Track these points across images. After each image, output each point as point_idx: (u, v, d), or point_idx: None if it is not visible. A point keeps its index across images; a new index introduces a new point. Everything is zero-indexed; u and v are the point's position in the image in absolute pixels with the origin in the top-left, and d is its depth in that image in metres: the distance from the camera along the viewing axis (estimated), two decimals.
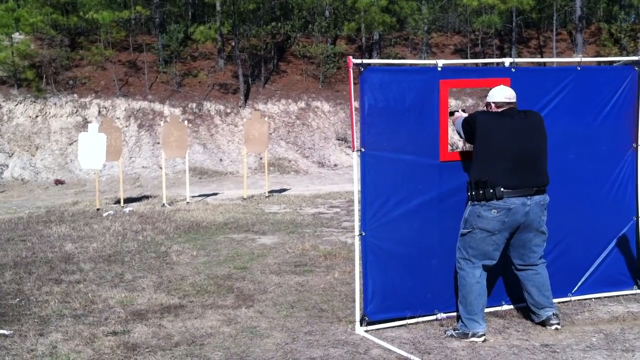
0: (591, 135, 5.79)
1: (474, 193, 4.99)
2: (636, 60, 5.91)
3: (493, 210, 4.91)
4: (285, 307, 5.89)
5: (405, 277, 5.30)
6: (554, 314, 5.17)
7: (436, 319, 5.35)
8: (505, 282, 5.61)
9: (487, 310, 5.39)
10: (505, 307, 5.61)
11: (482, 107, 5.29)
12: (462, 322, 5.03)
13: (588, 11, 34.61)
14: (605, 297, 5.90)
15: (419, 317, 5.30)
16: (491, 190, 4.89)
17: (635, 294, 5.97)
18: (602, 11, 35.02)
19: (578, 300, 5.81)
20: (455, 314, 5.30)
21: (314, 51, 28.65)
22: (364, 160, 5.15)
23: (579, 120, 5.74)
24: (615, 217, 5.94)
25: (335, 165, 24.11)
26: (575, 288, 5.82)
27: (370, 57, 28.35)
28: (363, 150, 5.12)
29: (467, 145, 5.40)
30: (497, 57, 28.77)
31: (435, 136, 5.33)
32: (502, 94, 5.13)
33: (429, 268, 5.38)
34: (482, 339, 4.90)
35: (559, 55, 29.11)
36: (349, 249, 8.11)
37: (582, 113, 5.75)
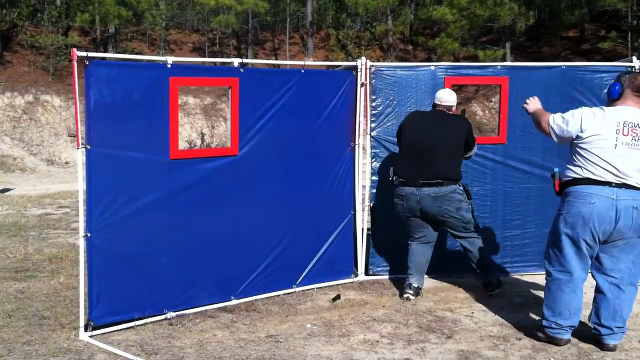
0: (314, 134, 6.13)
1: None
2: (354, 66, 6.39)
3: (396, 197, 5.89)
4: (1, 317, 5.40)
5: (132, 277, 5.16)
6: (410, 284, 5.92)
7: (165, 319, 5.28)
8: (238, 276, 5.73)
9: (216, 305, 5.51)
10: (234, 301, 5.71)
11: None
12: None
13: (319, 17, 36.79)
14: (326, 286, 6.29)
15: (147, 317, 5.20)
16: (392, 180, 5.87)
17: (352, 282, 6.45)
18: (331, 18, 37.40)
19: (302, 290, 6.12)
20: (184, 312, 5.32)
21: (43, 42, 26.66)
22: (90, 158, 4.92)
23: (302, 120, 6.05)
24: (335, 211, 6.36)
25: (67, 163, 22.78)
26: (300, 279, 6.13)
27: (105, 51, 27.28)
28: (89, 147, 4.89)
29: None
30: (234, 57, 29.30)
31: (164, 133, 5.26)
32: (436, 95, 5.96)
33: (158, 267, 5.30)
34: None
35: (292, 58, 30.49)
36: (77, 251, 7.66)
37: (306, 113, 6.07)
